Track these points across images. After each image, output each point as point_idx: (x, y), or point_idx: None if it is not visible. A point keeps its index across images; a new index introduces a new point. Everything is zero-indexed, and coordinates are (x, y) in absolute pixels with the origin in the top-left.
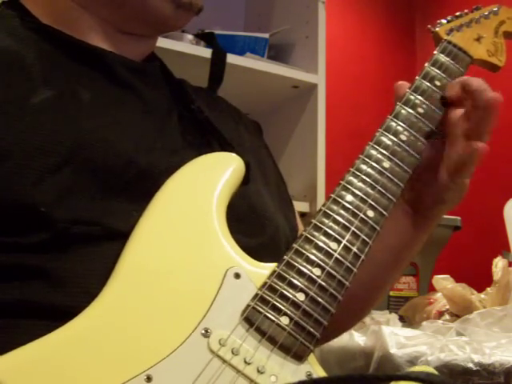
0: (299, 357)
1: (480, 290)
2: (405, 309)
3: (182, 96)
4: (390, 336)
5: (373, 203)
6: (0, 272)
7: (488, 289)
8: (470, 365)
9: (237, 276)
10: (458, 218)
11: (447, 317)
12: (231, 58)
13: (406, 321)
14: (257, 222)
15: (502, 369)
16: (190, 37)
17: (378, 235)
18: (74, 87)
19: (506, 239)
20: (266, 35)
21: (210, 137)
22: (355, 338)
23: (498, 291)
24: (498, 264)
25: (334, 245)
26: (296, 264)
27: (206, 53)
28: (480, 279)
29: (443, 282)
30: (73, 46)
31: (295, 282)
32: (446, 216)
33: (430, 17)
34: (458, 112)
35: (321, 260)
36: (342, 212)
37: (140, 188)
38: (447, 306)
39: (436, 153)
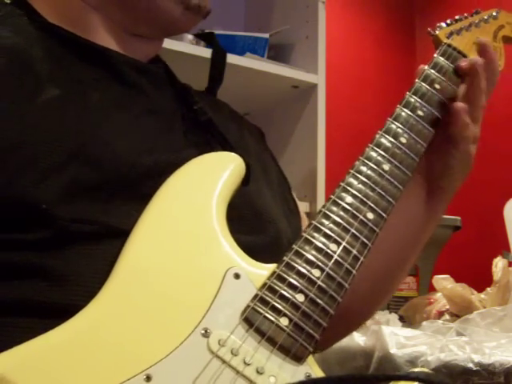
0: (298, 358)
1: (480, 290)
2: (405, 309)
3: (186, 97)
4: (389, 336)
5: (372, 205)
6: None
7: (488, 289)
8: (470, 365)
9: (236, 276)
10: (458, 218)
11: (447, 317)
12: (231, 58)
13: (406, 321)
14: (258, 222)
15: (502, 369)
16: (190, 37)
17: (377, 237)
18: (80, 86)
19: (506, 239)
20: (266, 35)
21: (212, 138)
22: (355, 338)
23: (498, 291)
24: (498, 264)
25: (333, 246)
26: (296, 265)
27: (206, 53)
28: (480, 279)
29: (443, 282)
30: (79, 46)
31: (295, 282)
32: (445, 216)
33: (430, 17)
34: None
35: (320, 261)
36: (341, 213)
37: (141, 188)
38: (447, 306)
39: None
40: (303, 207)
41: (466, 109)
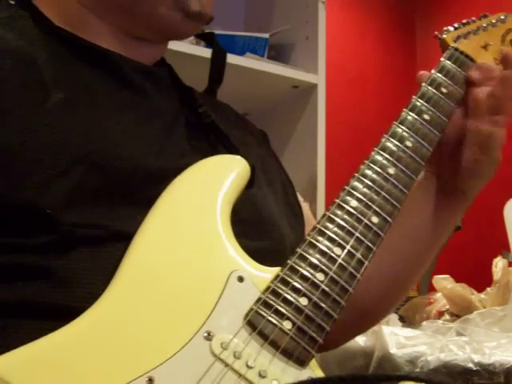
0: (301, 362)
1: (480, 290)
2: (405, 309)
3: (190, 100)
4: (389, 336)
5: (377, 209)
6: (3, 272)
7: (488, 289)
8: (470, 365)
9: (240, 279)
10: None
11: (447, 317)
12: (231, 58)
13: (406, 321)
14: (261, 226)
15: (502, 369)
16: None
17: (381, 241)
18: (84, 90)
19: (506, 239)
20: (266, 35)
21: (217, 141)
22: (355, 337)
23: (497, 291)
24: (498, 264)
25: (337, 250)
26: (299, 268)
27: (206, 53)
28: (480, 279)
29: (443, 282)
30: (84, 49)
31: (298, 286)
32: None
33: (430, 17)
34: (483, 90)
35: (324, 265)
36: (346, 217)
37: (146, 192)
38: (447, 306)
39: (469, 131)
40: (306, 207)
41: (486, 118)
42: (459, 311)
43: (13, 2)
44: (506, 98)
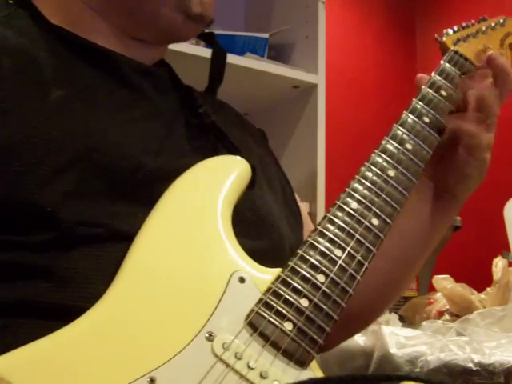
0: (302, 363)
1: (480, 290)
2: (405, 309)
3: (190, 100)
4: (389, 336)
5: (377, 211)
6: (3, 271)
7: (488, 289)
8: (470, 365)
9: (241, 280)
10: (458, 218)
11: (447, 317)
12: (231, 58)
13: (406, 321)
14: (262, 226)
15: (502, 369)
16: None
17: (382, 243)
18: (84, 89)
19: (506, 239)
20: (266, 35)
21: (217, 141)
22: (355, 337)
23: (498, 291)
24: (498, 264)
25: (338, 252)
26: (300, 270)
27: (206, 53)
28: (480, 279)
29: (443, 282)
30: (83, 48)
31: (299, 287)
32: None
33: (430, 17)
34: (474, 92)
35: (325, 266)
36: (346, 219)
37: (146, 191)
38: (447, 306)
39: (454, 132)
40: (303, 207)
41: (470, 119)
42: (459, 311)
43: (11, 1)
44: (495, 99)
